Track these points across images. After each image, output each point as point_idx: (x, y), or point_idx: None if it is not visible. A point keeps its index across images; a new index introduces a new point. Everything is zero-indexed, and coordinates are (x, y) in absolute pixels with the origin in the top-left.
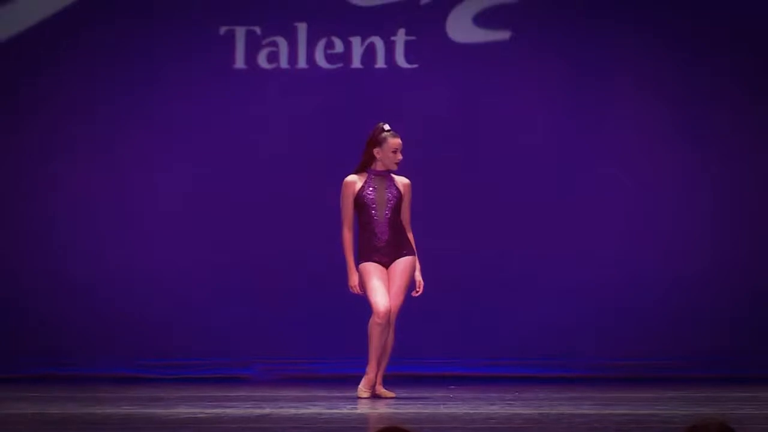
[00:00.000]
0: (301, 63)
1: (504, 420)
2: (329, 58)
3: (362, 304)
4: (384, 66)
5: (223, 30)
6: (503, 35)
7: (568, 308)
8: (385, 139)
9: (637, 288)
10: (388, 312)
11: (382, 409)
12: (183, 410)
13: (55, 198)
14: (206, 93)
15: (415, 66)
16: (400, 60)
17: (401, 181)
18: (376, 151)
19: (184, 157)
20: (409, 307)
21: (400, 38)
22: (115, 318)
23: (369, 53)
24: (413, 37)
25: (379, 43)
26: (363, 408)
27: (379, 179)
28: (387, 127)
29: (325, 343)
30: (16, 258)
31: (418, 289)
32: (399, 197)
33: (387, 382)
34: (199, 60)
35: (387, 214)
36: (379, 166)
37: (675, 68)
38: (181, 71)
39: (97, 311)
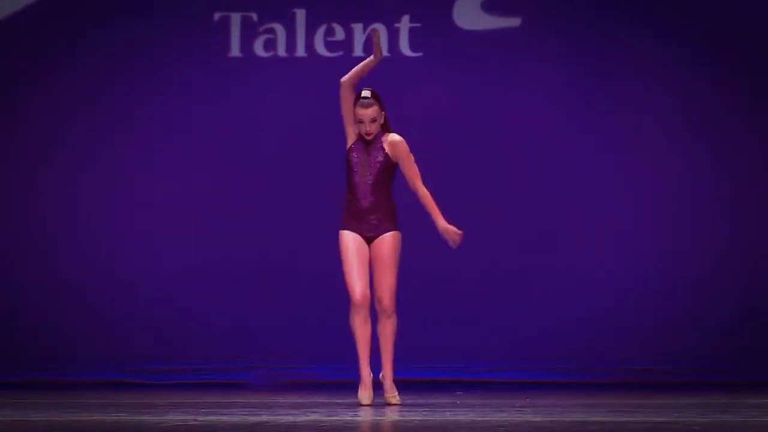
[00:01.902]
0: (300, 51)
1: (514, 427)
2: (329, 45)
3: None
4: (387, 54)
5: (217, 16)
6: (513, 22)
7: (578, 312)
8: (354, 108)
9: (653, 290)
10: (366, 299)
11: (384, 416)
12: (174, 417)
13: (47, 198)
14: (200, 83)
15: (419, 54)
16: (404, 48)
17: (391, 140)
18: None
19: (180, 150)
20: (415, 310)
21: (404, 25)
22: (105, 321)
23: (371, 41)
24: (418, 24)
25: (382, 30)
26: (365, 415)
27: (368, 142)
28: (364, 93)
29: (326, 347)
30: (6, 260)
31: (455, 240)
32: (386, 161)
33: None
34: (192, 48)
35: (369, 179)
36: None
37: (691, 62)
38: (175, 60)
39: (86, 314)
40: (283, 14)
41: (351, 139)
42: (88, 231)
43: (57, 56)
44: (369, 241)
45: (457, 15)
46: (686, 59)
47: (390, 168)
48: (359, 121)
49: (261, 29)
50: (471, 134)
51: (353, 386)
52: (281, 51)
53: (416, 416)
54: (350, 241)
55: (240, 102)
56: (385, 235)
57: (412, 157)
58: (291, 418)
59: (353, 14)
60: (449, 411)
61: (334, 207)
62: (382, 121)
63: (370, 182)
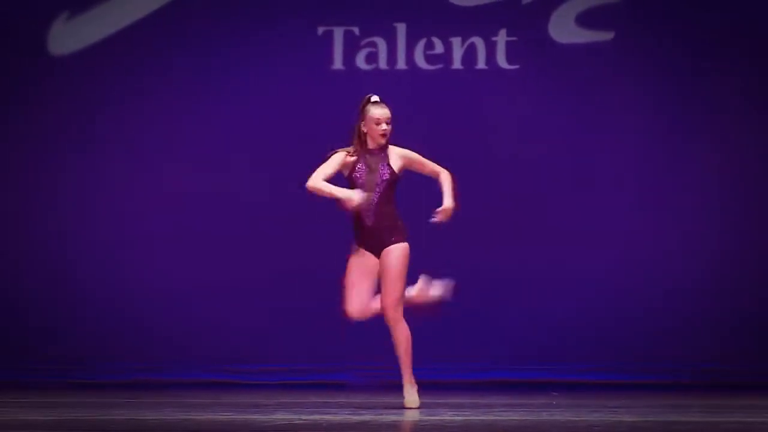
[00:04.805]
0: (401, 64)
1: (607, 428)
2: (429, 58)
3: (462, 308)
4: (485, 67)
5: (321, 30)
6: (607, 36)
7: (661, 312)
8: (368, 110)
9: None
10: (360, 315)
11: (484, 416)
12: (281, 416)
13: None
14: (304, 94)
15: (516, 67)
16: (501, 61)
17: (397, 154)
18: (362, 125)
19: (278, 159)
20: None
21: (502, 39)
22: (210, 323)
23: (470, 54)
24: (514, 38)
25: (480, 43)
26: (465, 415)
27: (372, 159)
28: (374, 98)
29: (424, 348)
30: (103, 264)
31: (439, 215)
32: (391, 177)
33: (463, 388)
34: (297, 61)
35: (374, 198)
36: (370, 144)
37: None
38: (279, 72)
39: (190, 317)
40: (385, 28)
41: (327, 171)
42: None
43: (147, 74)
44: (376, 251)
45: (552, 29)
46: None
47: (394, 183)
48: (377, 123)
49: (363, 43)
50: (564, 144)
51: (451, 387)
52: (382, 64)
53: (513, 416)
54: (355, 259)
55: (342, 113)
56: (392, 247)
57: (421, 157)
58: (393, 417)
59: (452, 29)
60: (545, 411)
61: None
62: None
63: (374, 200)
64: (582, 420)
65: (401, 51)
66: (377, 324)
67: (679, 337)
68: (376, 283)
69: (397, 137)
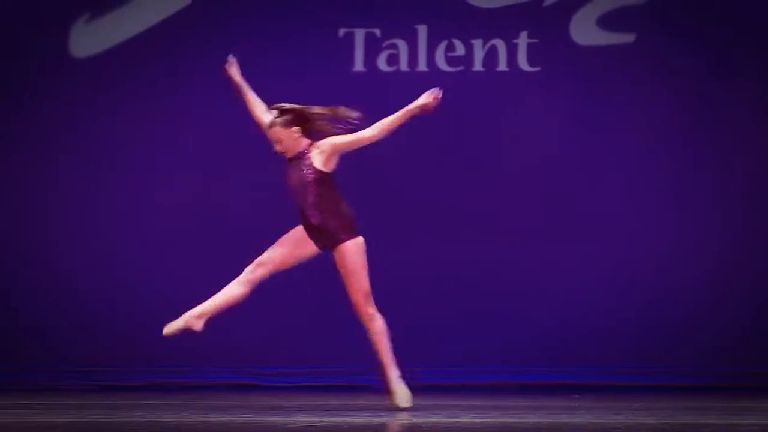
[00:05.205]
0: (422, 66)
1: (629, 429)
2: (450, 60)
3: (494, 312)
4: (506, 69)
5: (342, 32)
6: (628, 38)
7: (684, 314)
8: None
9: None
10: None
11: (498, 418)
12: (301, 419)
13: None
14: (325, 96)
15: (537, 69)
16: (523, 63)
17: (317, 150)
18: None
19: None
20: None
21: (523, 41)
22: (229, 325)
23: (491, 56)
24: (536, 40)
25: (501, 45)
26: (487, 418)
27: (294, 163)
28: (272, 112)
29: (450, 350)
30: (122, 266)
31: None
32: (317, 175)
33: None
34: (317, 62)
35: (310, 198)
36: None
37: None
38: (300, 74)
39: (210, 319)
40: (406, 30)
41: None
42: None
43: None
44: (329, 248)
45: (573, 31)
46: None
47: (325, 179)
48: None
49: (384, 45)
50: (584, 146)
51: (476, 389)
52: (403, 66)
53: (532, 418)
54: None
55: (364, 115)
56: (346, 243)
57: (344, 135)
58: (413, 420)
59: (473, 31)
60: (565, 413)
61: (454, 213)
62: (297, 135)
63: (311, 201)
64: (604, 422)
65: (422, 53)
66: (400, 325)
67: (701, 338)
68: (288, 261)
69: (417, 139)
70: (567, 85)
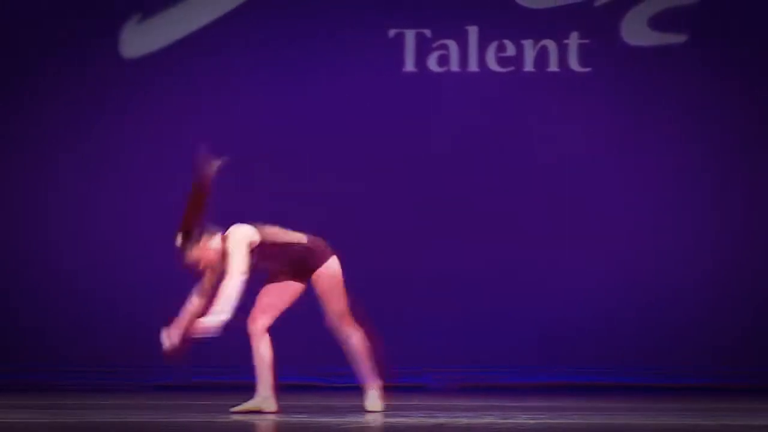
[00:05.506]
0: (472, 66)
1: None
2: (501, 61)
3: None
4: (557, 69)
5: (392, 33)
6: (679, 38)
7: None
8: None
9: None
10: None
11: (539, 420)
12: (354, 419)
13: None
14: (376, 97)
15: (588, 69)
16: (574, 64)
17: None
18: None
19: (350, 160)
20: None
21: (574, 41)
22: (283, 325)
23: (542, 56)
24: (587, 41)
25: (551, 46)
26: (538, 419)
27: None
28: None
29: (498, 351)
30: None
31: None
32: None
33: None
34: (368, 63)
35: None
36: None
37: None
38: (350, 74)
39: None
40: (456, 31)
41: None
42: None
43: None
44: (305, 279)
45: (624, 31)
46: None
47: (261, 247)
48: None
49: (434, 45)
50: (634, 146)
51: (527, 390)
52: (454, 66)
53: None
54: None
55: (414, 116)
56: (321, 268)
57: (231, 244)
58: (466, 421)
59: (524, 31)
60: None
61: (491, 213)
62: (209, 252)
63: (265, 267)
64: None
65: (473, 53)
66: (455, 327)
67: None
68: (286, 305)
69: (468, 140)
70: (618, 86)
